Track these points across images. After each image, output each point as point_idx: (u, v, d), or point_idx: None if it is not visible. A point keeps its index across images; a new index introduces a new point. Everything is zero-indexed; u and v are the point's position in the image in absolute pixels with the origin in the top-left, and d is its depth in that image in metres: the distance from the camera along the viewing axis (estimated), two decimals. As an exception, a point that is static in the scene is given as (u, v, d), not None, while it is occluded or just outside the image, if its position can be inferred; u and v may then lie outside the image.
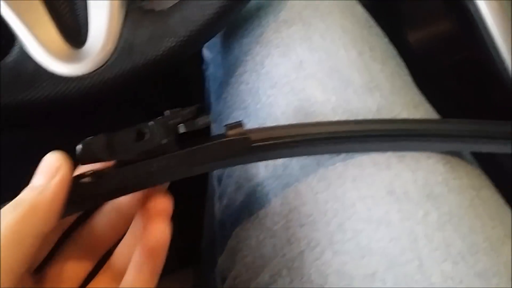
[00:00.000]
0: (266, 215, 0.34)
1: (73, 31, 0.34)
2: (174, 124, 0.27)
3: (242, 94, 0.39)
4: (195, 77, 0.53)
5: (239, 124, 0.29)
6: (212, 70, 0.47)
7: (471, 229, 0.30)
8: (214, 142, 0.28)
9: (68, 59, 0.33)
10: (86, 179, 0.26)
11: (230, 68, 0.41)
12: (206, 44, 0.49)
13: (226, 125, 0.29)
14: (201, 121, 0.27)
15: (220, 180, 0.40)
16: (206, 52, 0.49)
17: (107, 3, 0.34)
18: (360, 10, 0.41)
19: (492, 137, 0.32)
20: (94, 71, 0.34)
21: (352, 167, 0.32)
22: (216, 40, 0.46)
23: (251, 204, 0.35)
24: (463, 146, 0.33)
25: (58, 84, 0.33)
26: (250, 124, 0.37)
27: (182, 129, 0.27)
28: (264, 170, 0.35)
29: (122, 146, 0.26)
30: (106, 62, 0.34)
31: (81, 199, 0.26)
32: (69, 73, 0.33)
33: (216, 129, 0.43)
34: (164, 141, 0.27)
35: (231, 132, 0.29)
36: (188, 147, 0.28)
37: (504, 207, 0.34)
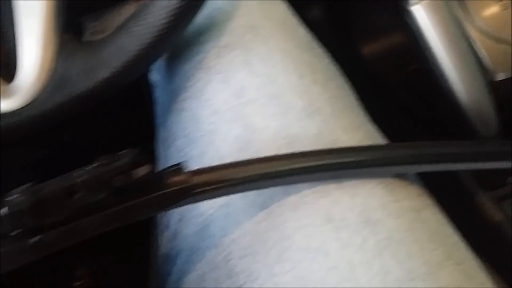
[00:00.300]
0: (208, 247, 0.33)
1: (3, 65, 0.33)
2: (108, 177, 0.25)
3: (184, 121, 0.38)
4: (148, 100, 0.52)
5: (179, 169, 0.28)
6: (158, 94, 0.46)
7: (409, 254, 0.30)
8: (153, 195, 0.27)
9: (-2, 94, 0.32)
10: (11, 248, 0.24)
11: (172, 94, 0.41)
12: (153, 67, 0.48)
13: (165, 170, 0.28)
14: (137, 173, 0.26)
15: (165, 209, 0.40)
16: (154, 75, 0.49)
17: (38, 35, 0.33)
18: (302, 32, 0.41)
19: (430, 160, 0.33)
20: (26, 105, 0.33)
21: (292, 196, 0.32)
22: (161, 64, 0.46)
23: (193, 236, 0.35)
24: (401, 169, 0.33)
25: (-12, 120, 0.32)
26: (192, 152, 0.37)
27: (118, 182, 0.25)
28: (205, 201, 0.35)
29: (50, 205, 0.24)
30: (39, 96, 0.33)
31: (6, 265, 0.25)
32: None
33: (161, 156, 0.43)
34: (97, 196, 0.25)
35: (171, 180, 0.27)
36: (126, 200, 0.26)
37: (446, 227, 0.34)
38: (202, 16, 0.41)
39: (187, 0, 0.32)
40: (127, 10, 0.54)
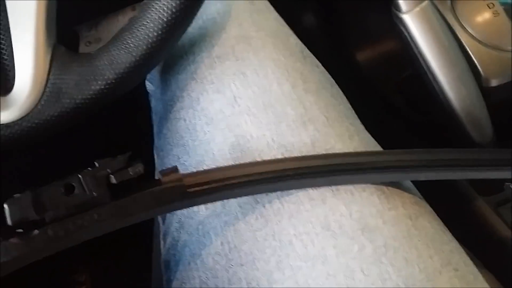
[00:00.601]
0: (208, 254, 0.33)
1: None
2: (105, 175, 0.27)
3: (180, 130, 0.38)
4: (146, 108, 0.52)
5: (173, 170, 0.28)
6: (154, 104, 0.46)
7: (407, 261, 0.30)
8: (148, 191, 0.28)
9: (-7, 107, 0.32)
10: (14, 240, 0.25)
11: (168, 104, 0.41)
12: (148, 77, 0.49)
13: (160, 171, 0.28)
14: (133, 170, 0.27)
15: (164, 218, 0.40)
16: (149, 85, 0.49)
17: (31, 48, 0.33)
18: (293, 42, 0.41)
19: (423, 166, 0.33)
20: (22, 117, 0.33)
21: (288, 204, 0.32)
22: (156, 74, 0.46)
23: (193, 243, 0.35)
24: (396, 176, 0.33)
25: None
26: (189, 161, 0.37)
27: (114, 179, 0.27)
28: (204, 208, 0.35)
29: (51, 202, 0.25)
30: (34, 108, 0.33)
31: (10, 261, 0.25)
32: (-4, 121, 0.32)
33: (158, 165, 0.43)
34: (95, 193, 0.26)
35: (165, 179, 0.28)
36: (121, 197, 0.27)
37: (443, 233, 0.34)
38: (195, 27, 0.41)
39: (179, 13, 0.33)
40: (124, 18, 0.54)
